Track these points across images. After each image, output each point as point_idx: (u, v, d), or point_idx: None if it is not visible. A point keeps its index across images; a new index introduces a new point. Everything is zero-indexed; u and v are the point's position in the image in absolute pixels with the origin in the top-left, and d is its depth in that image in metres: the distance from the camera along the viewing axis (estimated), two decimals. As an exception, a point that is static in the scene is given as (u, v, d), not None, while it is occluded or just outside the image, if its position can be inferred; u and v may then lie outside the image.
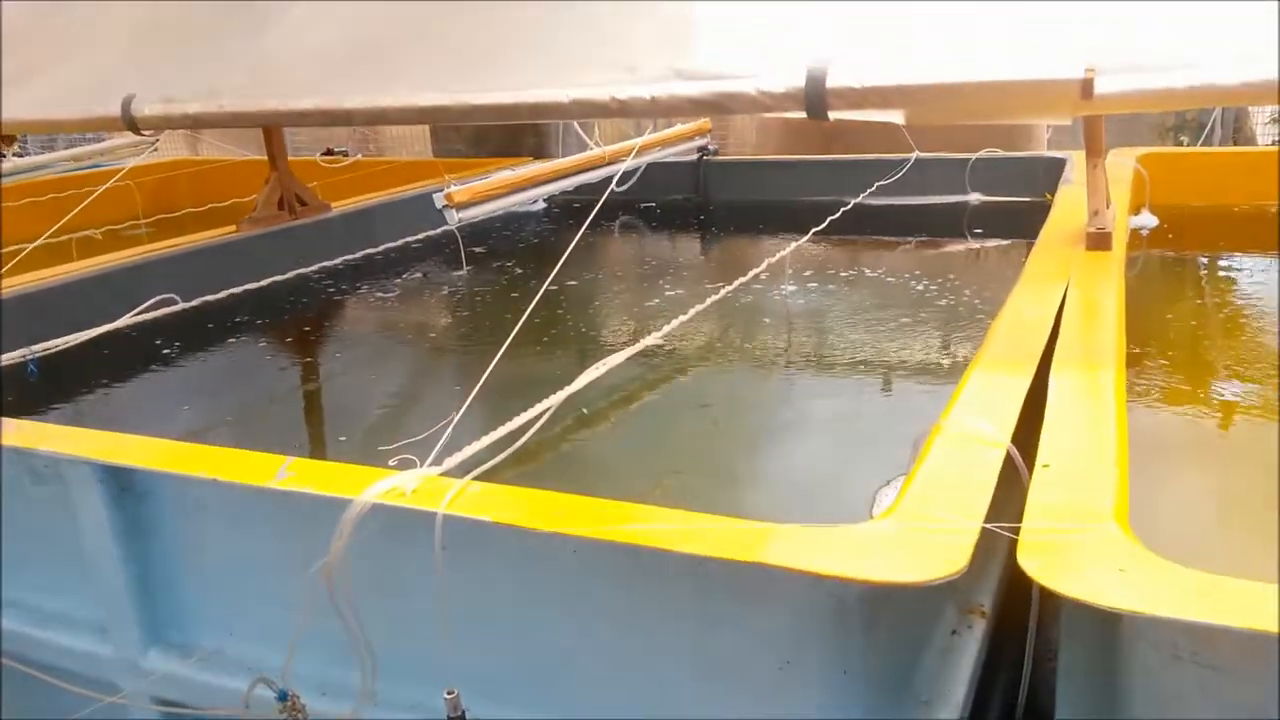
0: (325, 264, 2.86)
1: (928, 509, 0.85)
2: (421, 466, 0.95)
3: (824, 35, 1.25)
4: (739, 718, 0.90)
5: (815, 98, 1.23)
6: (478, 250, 3.10)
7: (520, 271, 2.93)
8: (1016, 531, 0.80)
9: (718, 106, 1.28)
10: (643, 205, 3.69)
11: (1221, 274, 2.67)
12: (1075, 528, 0.79)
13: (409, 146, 6.43)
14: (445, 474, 0.97)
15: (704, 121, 3.28)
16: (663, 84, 1.29)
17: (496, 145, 4.25)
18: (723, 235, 3.40)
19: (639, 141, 2.85)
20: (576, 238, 1.54)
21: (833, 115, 1.24)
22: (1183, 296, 2.44)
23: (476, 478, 0.96)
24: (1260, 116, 5.36)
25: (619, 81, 1.34)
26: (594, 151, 2.81)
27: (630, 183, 3.38)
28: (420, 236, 3.19)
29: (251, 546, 1.09)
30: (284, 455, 1.01)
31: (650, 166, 3.37)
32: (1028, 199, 3.33)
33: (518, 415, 1.18)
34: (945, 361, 1.96)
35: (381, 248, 3.00)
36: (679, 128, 3.17)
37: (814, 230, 2.07)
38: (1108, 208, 1.85)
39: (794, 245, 1.98)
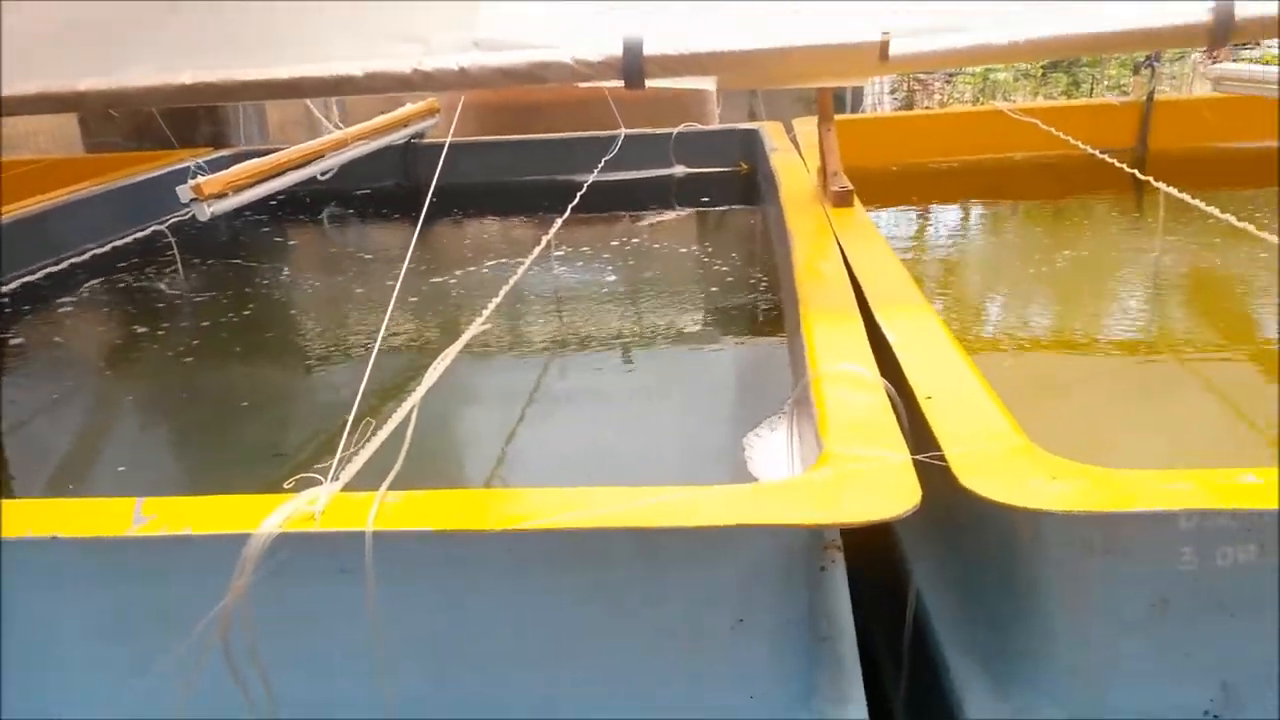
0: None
1: (853, 450, 0.89)
2: (326, 483, 0.84)
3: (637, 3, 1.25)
4: (693, 687, 0.89)
5: (633, 66, 1.23)
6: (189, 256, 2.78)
7: (246, 273, 2.67)
8: (941, 459, 0.86)
9: (532, 76, 1.24)
10: (350, 194, 3.49)
11: (905, 226, 3.03)
12: (994, 445, 0.86)
13: (33, 143, 5.55)
14: (345, 490, 0.87)
15: (432, 100, 3.14)
16: (469, 54, 1.22)
17: (163, 137, 3.80)
18: (446, 220, 3.30)
19: (378, 122, 2.67)
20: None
21: (650, 83, 1.25)
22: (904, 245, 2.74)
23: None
24: (880, 89, 6.11)
25: (409, 55, 1.25)
26: (359, 127, 2.60)
27: (331, 172, 3.18)
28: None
29: (105, 611, 0.90)
30: (129, 496, 0.85)
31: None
32: (726, 169, 3.57)
33: (340, 421, 1.07)
34: (733, 317, 2.07)
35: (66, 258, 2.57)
36: (409, 108, 3.02)
37: (570, 207, 2.08)
38: (840, 169, 2.03)
39: (558, 223, 1.97)
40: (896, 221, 3.02)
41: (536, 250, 1.82)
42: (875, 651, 1.14)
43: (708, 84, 1.28)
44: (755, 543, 0.83)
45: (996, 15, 1.22)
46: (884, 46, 1.20)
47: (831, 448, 0.90)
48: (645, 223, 3.21)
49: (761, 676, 0.87)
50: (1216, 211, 1.72)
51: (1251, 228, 1.53)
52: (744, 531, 0.78)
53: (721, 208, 3.37)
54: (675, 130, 3.60)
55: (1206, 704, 0.86)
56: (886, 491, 0.80)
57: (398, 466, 0.86)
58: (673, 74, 1.26)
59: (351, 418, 0.94)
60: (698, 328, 2.04)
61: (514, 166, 3.61)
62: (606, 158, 3.21)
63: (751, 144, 3.44)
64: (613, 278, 2.48)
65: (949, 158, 3.38)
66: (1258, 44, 6.04)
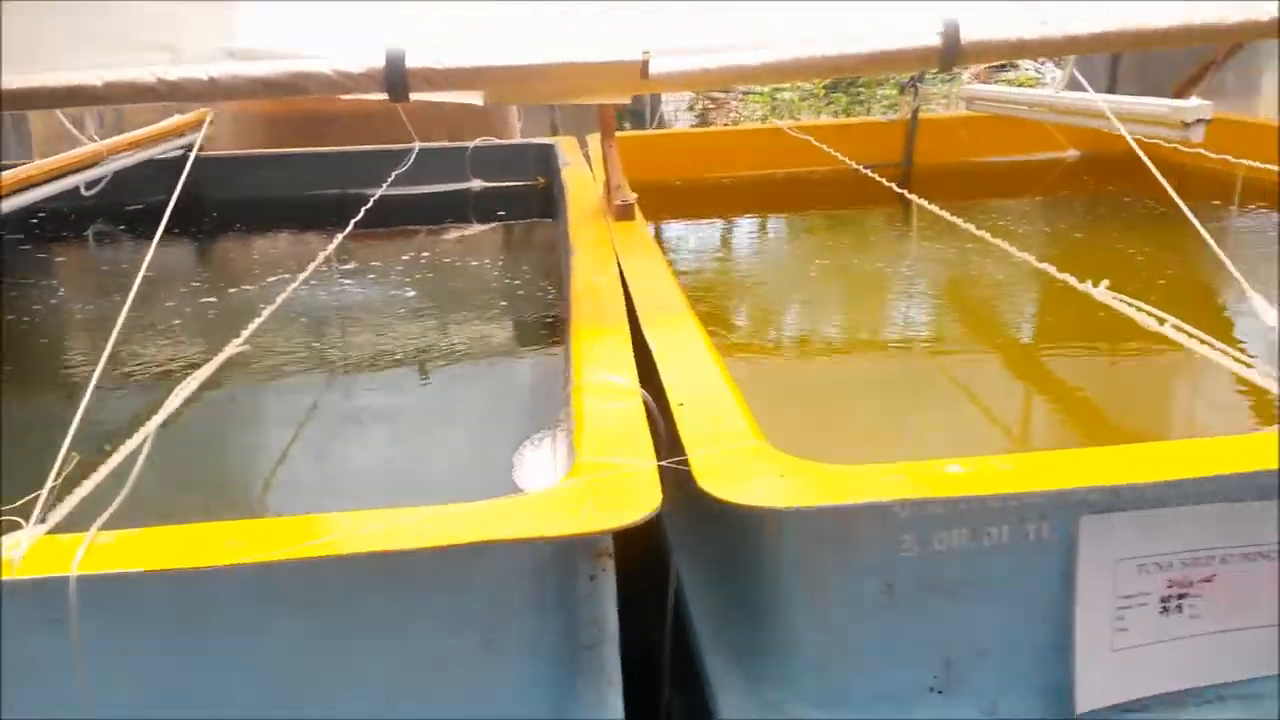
0: None
1: (604, 458, 0.90)
2: (27, 526, 0.77)
3: (404, 15, 1.23)
4: (445, 714, 0.88)
5: (396, 78, 1.21)
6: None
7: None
8: (685, 463, 0.89)
9: (292, 87, 1.20)
10: (120, 210, 3.25)
11: (693, 238, 3.12)
12: (733, 448, 0.90)
13: None
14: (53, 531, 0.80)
15: (202, 111, 2.97)
16: (221, 64, 1.17)
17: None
18: (230, 236, 3.13)
19: (139, 134, 2.50)
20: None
21: (414, 96, 1.23)
22: (675, 255, 2.82)
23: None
24: (677, 107, 6.29)
25: (156, 63, 1.19)
26: (117, 139, 2.40)
27: (98, 187, 2.96)
28: None
29: None
30: None
31: (129, 166, 2.97)
32: (523, 183, 3.58)
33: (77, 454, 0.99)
34: (522, 331, 2.06)
35: None
36: (176, 119, 2.84)
37: (353, 221, 2.02)
38: (624, 183, 2.07)
39: (339, 238, 1.91)
40: (685, 233, 3.12)
41: (311, 266, 1.75)
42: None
43: (474, 98, 1.28)
44: (497, 559, 0.83)
45: (755, 38, 1.28)
46: (644, 65, 1.24)
47: (583, 458, 0.91)
48: (440, 237, 3.17)
49: (515, 693, 0.87)
50: (960, 222, 1.88)
51: (1006, 244, 1.68)
52: (485, 548, 0.78)
53: (517, 222, 3.37)
54: (471, 144, 3.57)
55: (931, 680, 0.93)
56: (629, 499, 0.82)
57: (116, 503, 0.80)
58: (437, 87, 1.25)
59: (63, 452, 0.88)
60: (487, 342, 2.03)
61: (305, 180, 3.47)
62: (398, 171, 3.14)
63: (548, 158, 3.46)
64: (410, 293, 2.43)
65: (736, 172, 3.52)
66: (1015, 66, 6.64)
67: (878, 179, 2.39)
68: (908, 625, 0.92)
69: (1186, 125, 1.76)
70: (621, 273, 1.58)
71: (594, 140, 3.50)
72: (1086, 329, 1.79)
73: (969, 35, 1.22)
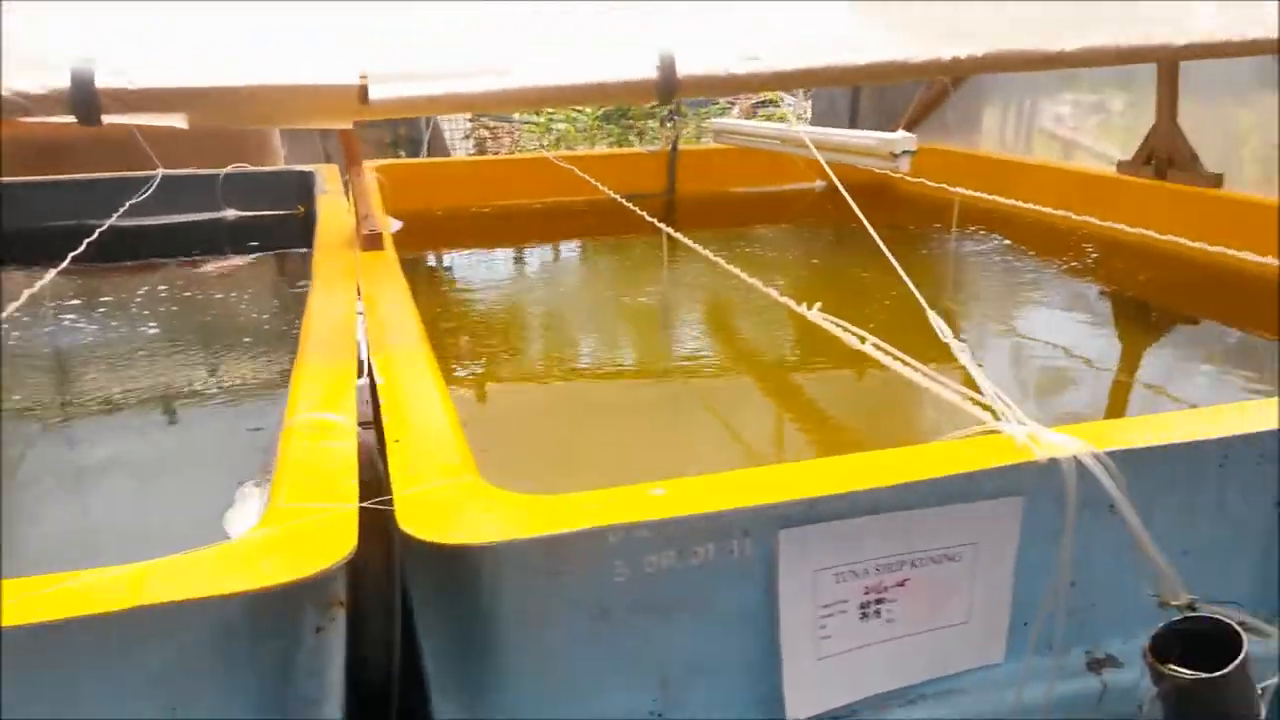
0: None
1: (302, 504, 0.86)
2: None
3: (100, 31, 1.13)
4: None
5: (83, 100, 1.11)
6: None
7: None
8: (390, 504, 0.86)
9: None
10: None
11: (460, 268, 3.08)
12: (440, 485, 0.87)
13: None
14: None
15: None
16: None
17: None
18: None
19: None
20: None
21: (106, 119, 1.14)
22: (442, 286, 2.78)
23: None
24: (456, 135, 6.24)
25: None
26: None
27: None
28: None
29: None
30: None
31: None
32: (283, 212, 3.42)
33: None
34: (250, 372, 1.94)
35: None
36: None
37: (71, 255, 1.85)
38: (374, 212, 2.01)
39: (51, 274, 1.74)
40: (449, 262, 3.07)
41: (12, 307, 1.59)
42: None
43: (177, 121, 1.19)
44: (170, 620, 0.76)
45: (484, 65, 1.27)
46: (363, 90, 1.19)
47: (278, 503, 0.86)
48: (189, 270, 2.97)
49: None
50: (699, 248, 1.95)
51: (740, 270, 1.75)
52: (153, 610, 0.71)
53: (272, 252, 3.21)
54: (223, 171, 3.38)
55: (650, 704, 0.94)
56: (319, 546, 0.78)
57: None
58: (133, 110, 1.15)
59: None
60: (223, 380, 1.90)
61: (31, 212, 3.16)
62: (134, 200, 2.92)
63: (309, 187, 3.32)
64: (149, 330, 2.24)
65: (505, 201, 3.51)
66: (775, 102, 7.03)
67: (633, 209, 2.44)
68: (624, 649, 0.92)
69: (895, 156, 1.92)
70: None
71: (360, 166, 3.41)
72: (827, 348, 1.90)
73: (685, 69, 1.26)
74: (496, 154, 6.07)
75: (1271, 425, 1.00)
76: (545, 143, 6.02)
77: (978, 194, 2.50)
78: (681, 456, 1.54)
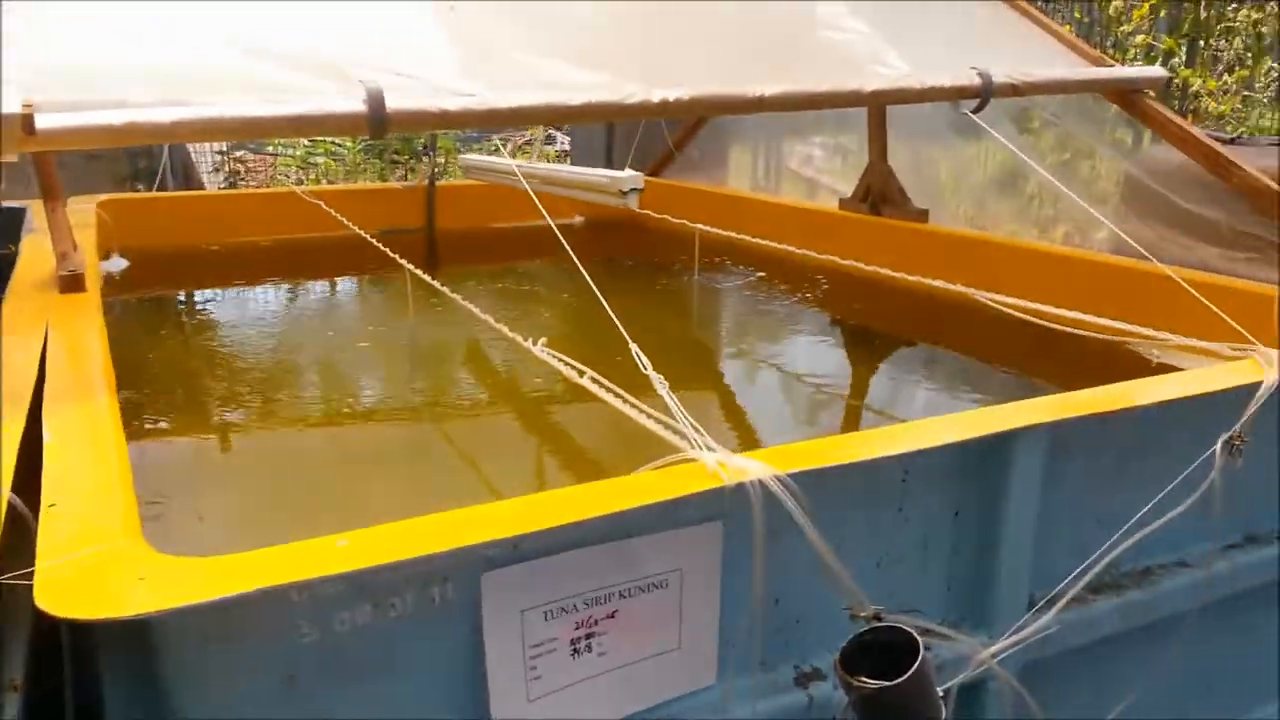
0: None
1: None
2: None
3: None
4: None
5: None
6: None
7: None
8: (30, 576, 0.77)
9: None
10: None
11: (199, 309, 2.88)
12: (88, 553, 0.79)
13: None
14: None
15: None
16: None
17: None
18: None
19: None
20: None
21: None
22: (168, 330, 2.58)
23: None
24: (205, 166, 5.87)
25: None
26: None
27: None
28: None
29: None
30: None
31: None
32: (-6, 252, 3.07)
33: None
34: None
35: None
36: None
37: None
38: (75, 250, 1.83)
39: None
40: (176, 304, 2.87)
41: None
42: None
43: None
44: None
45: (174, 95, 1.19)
46: (27, 120, 1.08)
47: (-113, 588, 0.74)
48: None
49: None
50: (438, 284, 1.91)
51: (474, 306, 1.72)
52: None
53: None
54: (-88, 208, 2.99)
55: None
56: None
57: None
58: None
59: None
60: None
61: None
62: None
63: (19, 224, 3.00)
64: None
65: (248, 238, 3.32)
66: (553, 140, 7.10)
67: (380, 246, 2.37)
68: (321, 716, 0.87)
69: (623, 194, 1.97)
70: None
71: (77, 201, 3.12)
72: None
73: (394, 104, 1.23)
74: (248, 188, 5.76)
75: (946, 440, 1.08)
76: (305, 178, 5.77)
77: (716, 230, 2.62)
78: (392, 500, 1.49)
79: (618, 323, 1.16)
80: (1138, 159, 2.08)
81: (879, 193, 2.45)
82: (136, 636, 0.88)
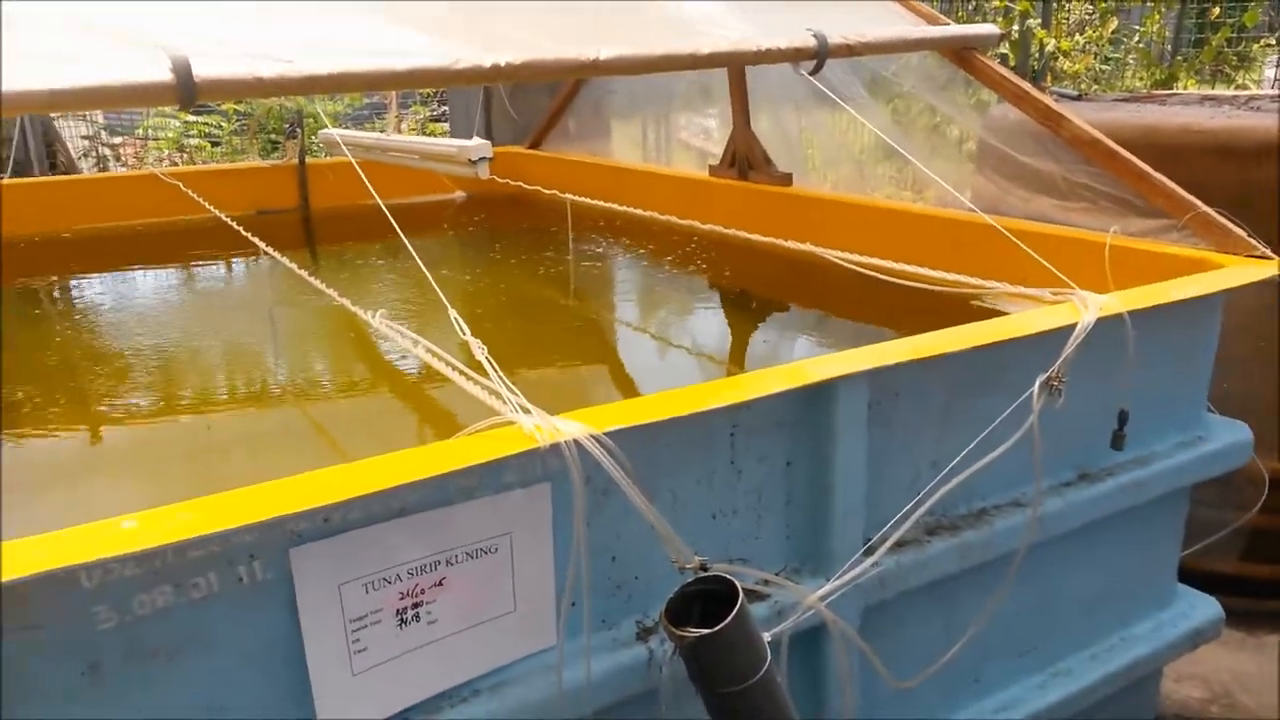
0: None
1: None
2: None
3: None
4: None
5: None
6: None
7: None
8: None
9: None
10: None
11: (56, 298, 2.75)
12: None
13: None
14: None
15: None
16: None
17: None
18: None
19: None
20: None
21: None
22: (31, 318, 2.46)
23: None
24: (74, 149, 5.59)
25: None
26: None
27: None
28: None
29: None
30: None
31: None
32: None
33: None
34: None
35: None
36: None
37: None
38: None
39: None
40: (20, 295, 2.73)
41: None
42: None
43: None
44: None
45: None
46: None
47: None
48: None
49: None
50: (294, 267, 1.86)
51: (321, 283, 1.68)
52: None
53: None
54: None
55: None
56: None
57: None
58: None
59: None
60: None
61: None
62: None
63: None
64: None
65: (106, 223, 3.18)
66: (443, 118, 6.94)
67: (237, 228, 2.29)
68: (132, 705, 0.84)
69: (472, 163, 1.95)
70: None
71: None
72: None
73: (203, 72, 1.18)
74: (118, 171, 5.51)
75: (771, 391, 1.09)
76: (179, 160, 5.54)
77: (591, 200, 2.60)
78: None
79: (439, 291, 1.14)
80: (986, 118, 2.14)
81: (744, 158, 2.47)
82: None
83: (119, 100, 1.18)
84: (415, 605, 0.97)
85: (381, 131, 5.43)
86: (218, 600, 0.85)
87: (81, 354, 2.14)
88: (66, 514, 1.40)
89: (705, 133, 3.80)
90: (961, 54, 1.94)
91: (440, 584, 0.98)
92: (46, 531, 0.82)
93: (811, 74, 1.63)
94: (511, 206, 3.46)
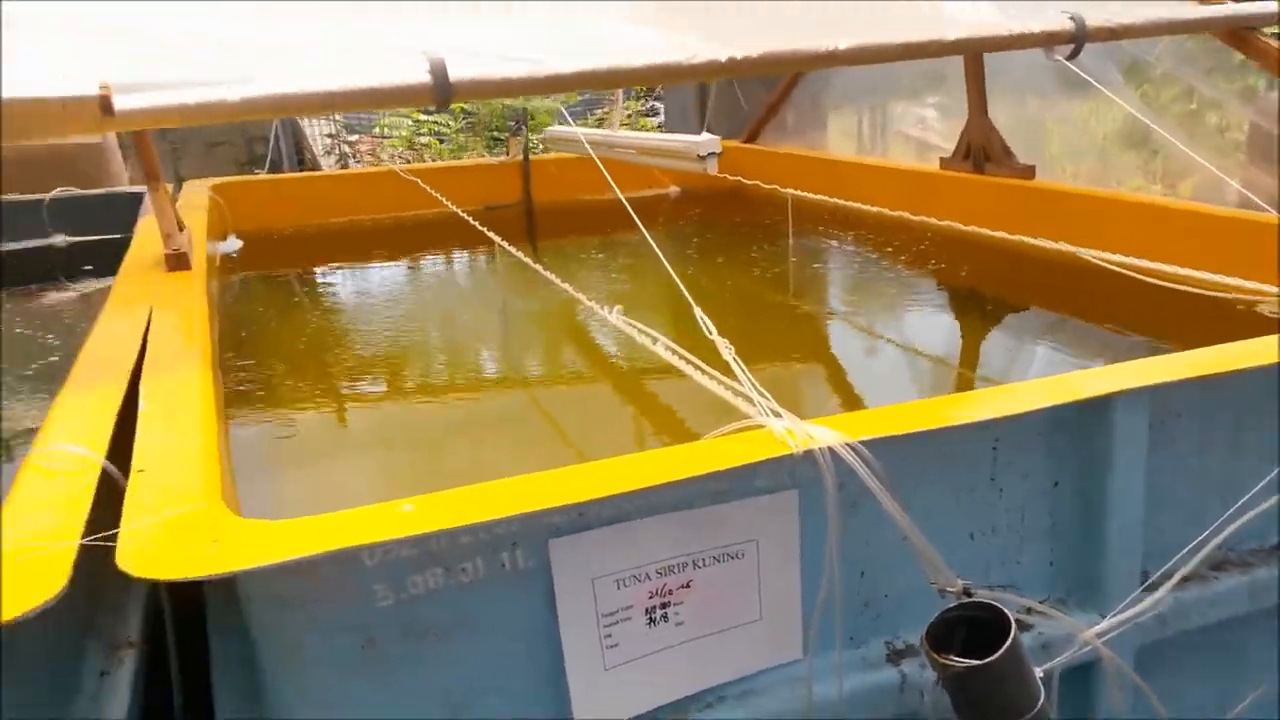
0: None
1: (17, 544, 0.78)
2: None
3: None
4: None
5: None
6: None
7: None
8: (114, 539, 0.79)
9: None
10: None
11: (307, 286, 2.98)
12: (166, 516, 0.81)
13: None
14: None
15: None
16: None
17: None
18: None
19: None
20: None
21: None
22: (284, 306, 2.67)
23: None
24: (318, 147, 6.07)
25: None
26: None
27: None
28: None
29: None
30: None
31: None
32: (119, 235, 3.24)
33: None
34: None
35: None
36: None
37: None
38: (180, 230, 1.91)
39: None
40: (286, 282, 2.97)
41: None
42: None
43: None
44: None
45: (238, 73, 1.21)
46: (105, 101, 1.12)
47: (-6, 542, 0.78)
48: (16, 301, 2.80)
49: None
50: (528, 260, 1.92)
51: (556, 278, 1.72)
52: None
53: (108, 279, 3.04)
54: (48, 196, 3.19)
55: (439, 729, 0.89)
56: (27, 586, 0.71)
57: None
58: None
59: None
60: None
61: None
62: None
63: (138, 208, 3.16)
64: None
65: (354, 217, 3.41)
66: (657, 111, 7.04)
67: (472, 222, 2.39)
68: (401, 679, 0.88)
69: (701, 159, 1.93)
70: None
71: (192, 185, 3.26)
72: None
73: (457, 74, 1.23)
74: (358, 168, 5.92)
75: (1038, 406, 1.01)
76: (412, 157, 5.89)
77: (812, 195, 2.54)
78: (469, 466, 1.50)
79: (684, 290, 1.13)
80: (1259, 103, 1.91)
81: (980, 150, 2.34)
82: (223, 597, 0.91)
83: (383, 102, 1.24)
84: (664, 605, 0.96)
85: (598, 125, 5.57)
86: (483, 584, 0.88)
87: (331, 339, 2.30)
88: (317, 488, 1.51)
89: (922, 122, 3.64)
90: (1238, 34, 1.75)
91: (687, 585, 0.97)
92: (295, 506, 0.87)
93: (1069, 59, 1.51)
94: (727, 201, 3.45)
